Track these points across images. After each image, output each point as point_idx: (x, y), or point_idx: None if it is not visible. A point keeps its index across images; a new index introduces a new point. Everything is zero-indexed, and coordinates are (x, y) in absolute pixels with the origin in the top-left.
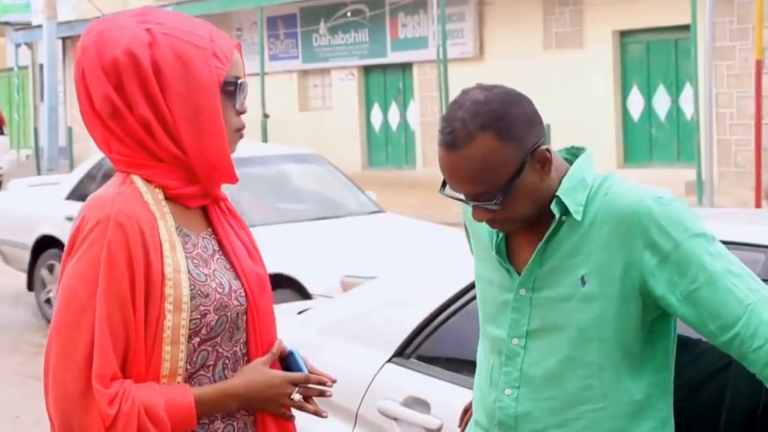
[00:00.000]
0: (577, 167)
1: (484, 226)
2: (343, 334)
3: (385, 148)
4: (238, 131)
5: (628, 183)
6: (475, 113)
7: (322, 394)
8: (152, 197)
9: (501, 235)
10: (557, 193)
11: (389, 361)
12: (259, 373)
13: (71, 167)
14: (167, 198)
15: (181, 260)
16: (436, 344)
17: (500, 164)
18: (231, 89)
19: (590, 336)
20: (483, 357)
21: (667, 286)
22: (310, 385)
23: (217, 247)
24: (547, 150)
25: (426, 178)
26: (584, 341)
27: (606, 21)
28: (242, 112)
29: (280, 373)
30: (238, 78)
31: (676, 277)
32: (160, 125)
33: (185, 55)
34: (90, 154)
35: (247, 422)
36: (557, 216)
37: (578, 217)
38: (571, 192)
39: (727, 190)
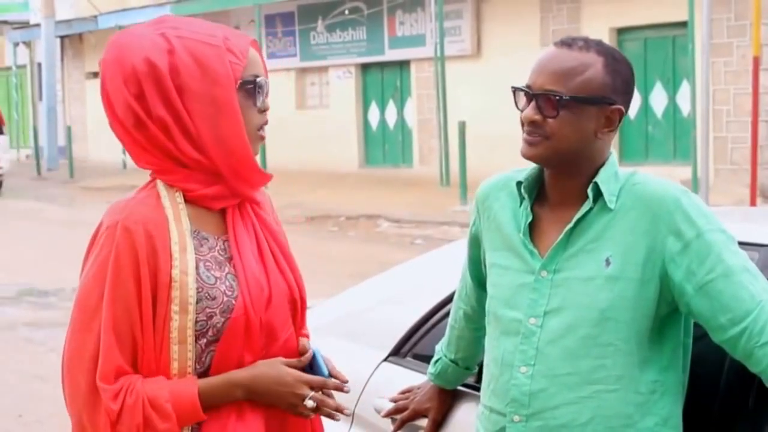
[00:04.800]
0: (612, 162)
1: (506, 211)
2: (338, 332)
3: (382, 146)
4: (261, 129)
5: (655, 177)
6: (600, 42)
7: (338, 409)
8: (170, 201)
9: (528, 219)
10: (596, 180)
11: (385, 360)
12: (271, 367)
13: (71, 166)
14: (188, 201)
15: (190, 262)
16: (432, 343)
17: (589, 79)
18: (250, 87)
19: (608, 316)
20: (491, 345)
21: (685, 274)
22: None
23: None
24: (620, 117)
25: (423, 176)
26: (602, 321)
27: (603, 18)
28: (264, 110)
29: (295, 373)
30: (257, 76)
31: (694, 265)
32: (178, 127)
33: (200, 54)
34: (89, 154)
35: None
36: (591, 199)
37: (612, 206)
38: (606, 182)
39: (722, 188)
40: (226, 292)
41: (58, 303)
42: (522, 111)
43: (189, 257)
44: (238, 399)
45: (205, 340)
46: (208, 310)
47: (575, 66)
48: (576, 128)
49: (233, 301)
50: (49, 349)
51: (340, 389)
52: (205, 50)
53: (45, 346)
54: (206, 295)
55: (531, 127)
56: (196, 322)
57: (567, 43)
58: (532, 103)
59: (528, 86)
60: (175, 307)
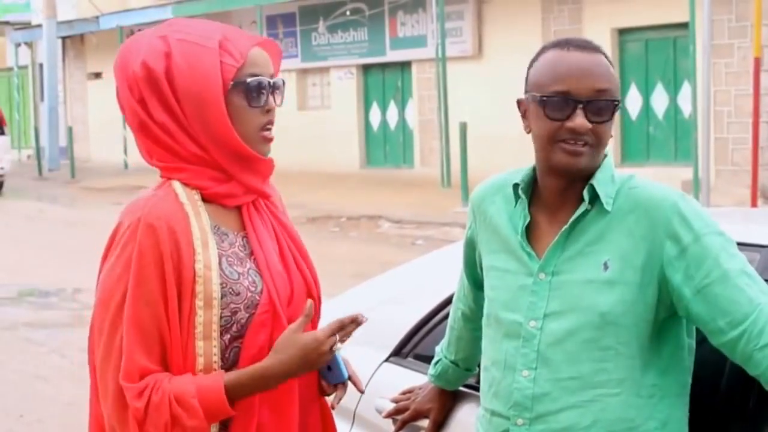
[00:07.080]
0: (608, 164)
1: (502, 215)
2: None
3: (383, 146)
4: (264, 129)
5: (652, 181)
6: (593, 42)
7: (357, 321)
8: (188, 198)
9: (525, 221)
10: (592, 182)
11: (386, 360)
12: (291, 344)
13: (72, 167)
14: (205, 199)
15: (213, 257)
16: (433, 344)
17: (616, 79)
18: (242, 87)
19: (608, 320)
20: (492, 346)
21: (683, 278)
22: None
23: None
24: None
25: (424, 177)
26: (603, 325)
27: (605, 19)
28: (268, 109)
29: (311, 334)
30: (255, 75)
31: (692, 269)
32: (179, 128)
33: (193, 57)
34: (91, 154)
35: None
36: (586, 201)
37: (608, 208)
38: (603, 184)
39: (723, 189)
40: (250, 287)
41: (59, 303)
42: (560, 121)
43: (211, 252)
44: (271, 389)
45: (229, 336)
46: (232, 306)
47: (608, 68)
48: (610, 130)
49: (257, 297)
50: (50, 350)
51: (355, 321)
52: (198, 52)
53: (46, 347)
54: (230, 290)
55: (582, 136)
56: (221, 317)
57: (587, 47)
58: (579, 111)
59: (566, 93)
60: (199, 302)
